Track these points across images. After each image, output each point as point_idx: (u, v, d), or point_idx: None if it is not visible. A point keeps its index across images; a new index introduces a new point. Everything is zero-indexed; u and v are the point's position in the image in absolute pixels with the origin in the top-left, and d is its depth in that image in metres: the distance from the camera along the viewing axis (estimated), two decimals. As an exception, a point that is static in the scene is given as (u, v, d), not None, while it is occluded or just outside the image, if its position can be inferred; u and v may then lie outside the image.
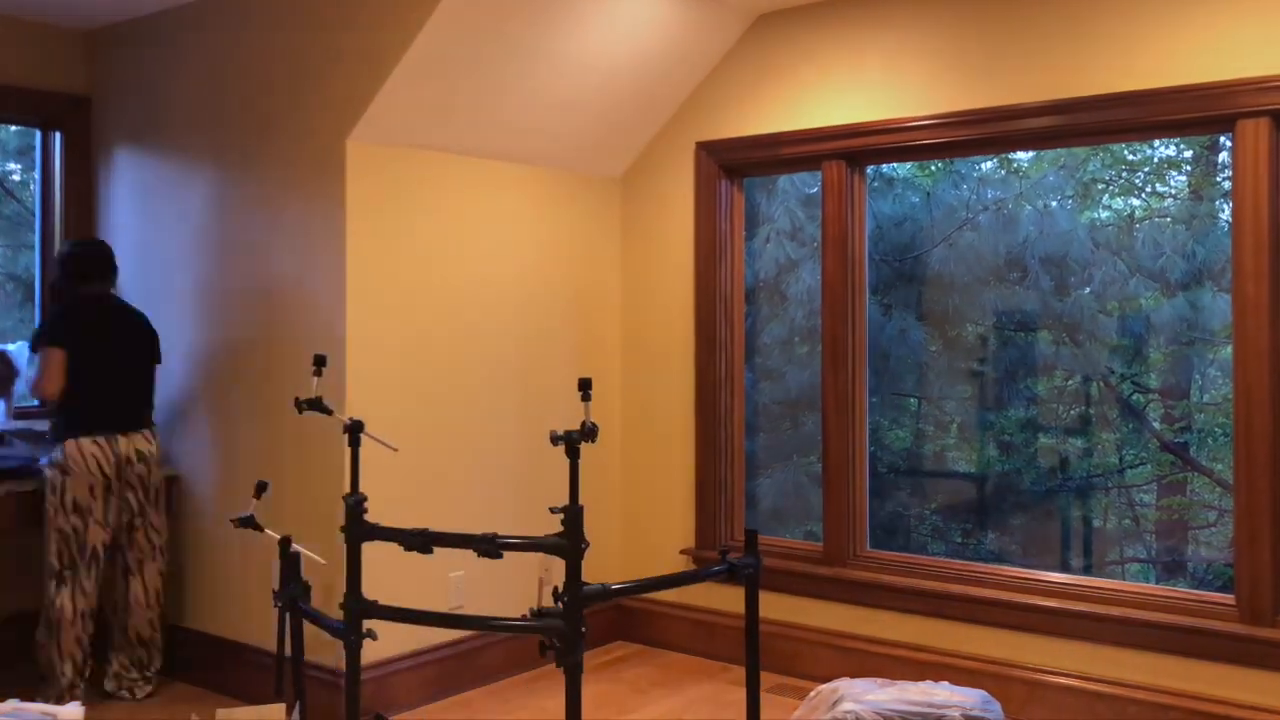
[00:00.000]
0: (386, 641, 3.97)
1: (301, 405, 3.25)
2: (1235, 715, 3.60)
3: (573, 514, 2.84)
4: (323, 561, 3.49)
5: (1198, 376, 4.42)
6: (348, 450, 3.26)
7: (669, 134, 4.85)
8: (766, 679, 4.43)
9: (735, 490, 4.75)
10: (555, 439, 2.82)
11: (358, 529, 3.05)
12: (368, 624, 3.09)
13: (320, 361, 3.37)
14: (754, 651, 3.31)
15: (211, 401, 4.37)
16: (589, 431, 2.80)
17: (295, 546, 3.38)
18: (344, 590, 3.10)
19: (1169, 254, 4.49)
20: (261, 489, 3.48)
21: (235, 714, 3.43)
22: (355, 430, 3.22)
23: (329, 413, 3.23)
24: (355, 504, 3.06)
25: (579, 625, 2.86)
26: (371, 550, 3.18)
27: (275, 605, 3.43)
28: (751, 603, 3.29)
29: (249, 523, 3.40)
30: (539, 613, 2.99)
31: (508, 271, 4.50)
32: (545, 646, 3.02)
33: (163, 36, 4.55)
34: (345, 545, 3.05)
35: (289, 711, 3.56)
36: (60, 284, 4.24)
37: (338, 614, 3.18)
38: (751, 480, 4.83)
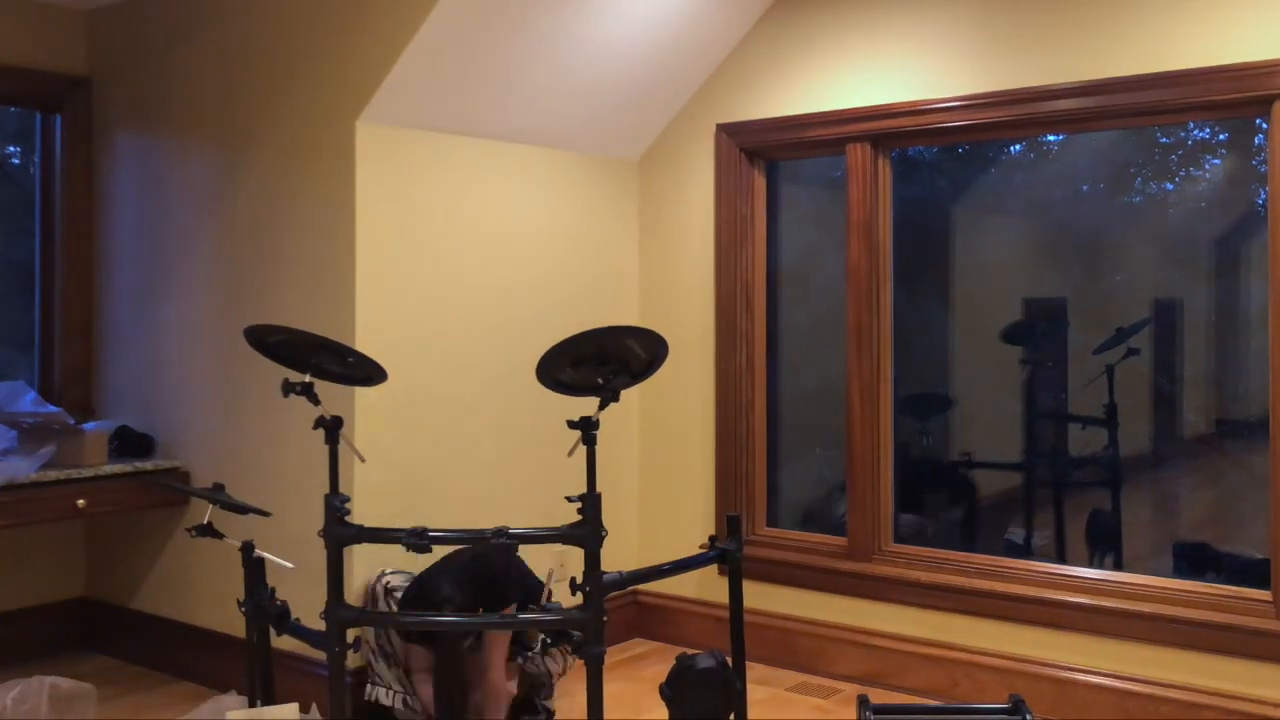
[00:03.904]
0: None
1: (289, 389, 3.10)
2: (1272, 715, 3.51)
3: (591, 502, 2.80)
4: (290, 566, 3.33)
5: (1233, 365, 4.33)
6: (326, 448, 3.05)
7: (689, 116, 4.74)
8: (789, 677, 4.35)
9: (756, 482, 4.64)
10: (572, 423, 2.80)
11: (338, 531, 2.89)
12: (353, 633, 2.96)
13: None
14: (739, 637, 3.32)
15: (216, 391, 4.28)
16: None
17: (259, 552, 3.26)
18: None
19: (1203, 240, 4.39)
20: (219, 491, 3.33)
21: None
22: (334, 427, 3.07)
23: (317, 402, 3.10)
24: (336, 505, 2.89)
25: (600, 614, 2.82)
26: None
27: (241, 611, 3.30)
28: (735, 588, 3.31)
29: (206, 531, 3.24)
30: (547, 607, 2.94)
31: (522, 257, 4.40)
32: (550, 645, 2.96)
33: (165, 16, 4.44)
34: (325, 549, 2.90)
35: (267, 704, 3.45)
36: None
37: (317, 623, 3.01)
38: (773, 472, 4.72)
